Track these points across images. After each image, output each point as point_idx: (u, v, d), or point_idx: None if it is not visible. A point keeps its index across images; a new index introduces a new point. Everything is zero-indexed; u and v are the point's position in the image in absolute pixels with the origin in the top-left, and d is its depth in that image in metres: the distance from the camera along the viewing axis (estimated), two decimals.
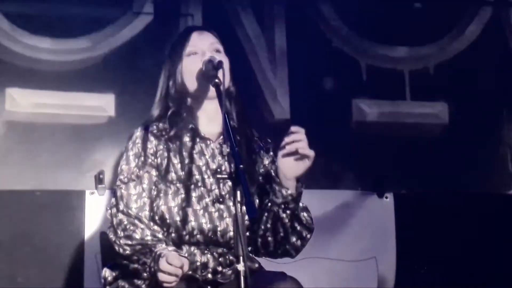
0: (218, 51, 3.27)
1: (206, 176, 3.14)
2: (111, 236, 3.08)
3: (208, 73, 3.12)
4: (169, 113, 3.23)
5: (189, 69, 3.21)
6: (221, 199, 3.11)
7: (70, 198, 4.24)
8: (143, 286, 3.03)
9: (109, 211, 3.13)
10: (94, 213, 4.19)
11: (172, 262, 2.83)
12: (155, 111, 3.28)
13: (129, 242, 3.01)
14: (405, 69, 4.93)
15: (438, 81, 4.94)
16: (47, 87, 4.38)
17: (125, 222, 3.05)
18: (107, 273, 3.17)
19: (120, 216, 3.07)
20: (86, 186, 4.28)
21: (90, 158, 4.34)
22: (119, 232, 3.05)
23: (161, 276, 2.85)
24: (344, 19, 4.89)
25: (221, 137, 3.22)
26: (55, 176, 4.28)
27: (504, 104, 4.96)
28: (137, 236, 3.01)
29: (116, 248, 3.05)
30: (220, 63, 3.09)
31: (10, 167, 4.24)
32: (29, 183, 4.24)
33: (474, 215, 4.68)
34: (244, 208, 2.62)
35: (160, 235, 3.03)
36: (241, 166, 2.66)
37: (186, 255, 3.01)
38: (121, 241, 3.03)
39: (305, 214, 3.18)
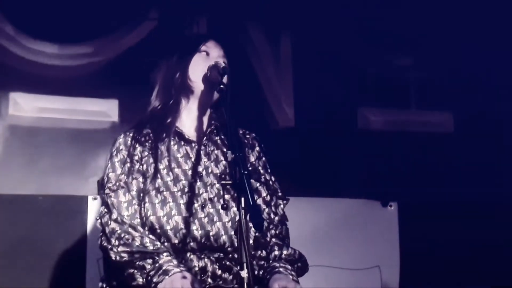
0: (224, 63, 3.25)
1: (193, 180, 3.11)
2: (105, 244, 3.02)
3: (213, 78, 3.10)
4: (159, 106, 3.21)
5: (197, 66, 3.19)
6: (207, 203, 3.08)
7: (73, 203, 4.24)
8: None
9: (99, 220, 3.09)
10: None
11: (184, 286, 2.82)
12: (156, 102, 3.26)
13: (128, 250, 2.97)
14: (410, 78, 4.92)
15: (443, 90, 4.93)
16: (51, 92, 4.39)
17: (119, 231, 3.01)
18: (104, 284, 3.14)
19: (113, 224, 3.03)
20: (88, 191, 4.27)
21: (93, 164, 4.33)
22: (113, 240, 3.00)
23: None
24: (350, 27, 4.88)
25: (205, 137, 3.20)
26: (58, 181, 4.27)
27: (510, 114, 4.95)
28: (136, 243, 2.97)
29: (113, 255, 2.99)
30: (225, 69, 3.08)
31: (13, 171, 4.24)
32: (32, 187, 4.23)
33: (479, 224, 4.66)
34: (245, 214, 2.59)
35: (158, 243, 3.00)
36: (245, 172, 2.63)
37: (182, 262, 2.98)
38: (119, 249, 2.98)
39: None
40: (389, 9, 4.90)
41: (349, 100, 4.83)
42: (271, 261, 3.11)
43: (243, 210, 2.59)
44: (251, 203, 2.55)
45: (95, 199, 4.22)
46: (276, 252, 3.14)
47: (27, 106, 4.34)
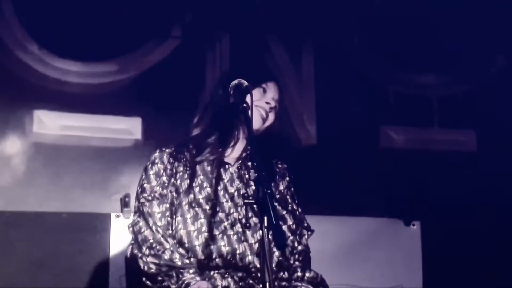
0: (275, 109, 3.26)
1: (224, 200, 3.13)
2: (136, 252, 3.05)
3: (236, 97, 3.10)
4: (205, 130, 3.22)
5: (257, 103, 3.18)
6: (237, 223, 3.09)
7: (96, 221, 4.26)
8: None
9: (131, 228, 3.11)
10: (120, 236, 4.19)
11: None
12: (203, 124, 3.26)
13: (156, 261, 3.00)
14: (433, 96, 4.91)
15: (466, 108, 4.91)
16: (74, 109, 4.41)
17: (151, 240, 3.04)
18: None
19: (146, 232, 3.06)
20: (112, 209, 4.29)
21: (116, 181, 4.35)
22: (144, 249, 3.03)
23: None
24: (372, 46, 4.89)
25: (240, 161, 3.22)
26: (81, 199, 4.29)
27: None
28: (166, 257, 3.00)
29: (141, 265, 3.02)
30: (248, 87, 3.08)
31: (37, 189, 4.26)
32: (55, 205, 4.25)
33: (502, 243, 4.63)
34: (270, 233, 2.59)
35: (187, 260, 3.02)
36: (269, 191, 2.64)
37: (206, 279, 2.99)
38: (148, 259, 3.01)
39: None
40: (411, 27, 4.90)
41: (372, 118, 4.82)
42: (293, 281, 3.12)
43: (265, 230, 2.60)
44: (274, 222, 2.55)
45: (118, 216, 4.24)
46: (299, 274, 3.15)
47: (51, 123, 4.37)
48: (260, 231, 2.88)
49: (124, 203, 4.24)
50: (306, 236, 3.27)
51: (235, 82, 3.13)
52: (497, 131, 4.87)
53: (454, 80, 4.96)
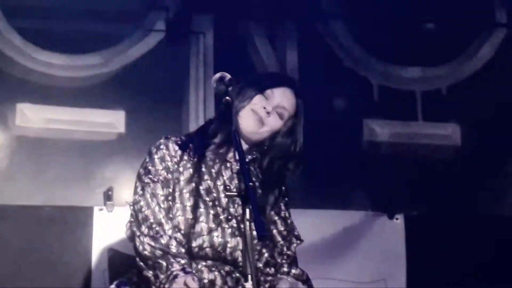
0: (280, 115, 3.24)
1: (222, 196, 3.14)
2: (135, 229, 3.04)
3: (219, 90, 3.09)
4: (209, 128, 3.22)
5: (253, 107, 3.18)
6: (233, 218, 3.10)
7: (79, 214, 4.24)
8: None
9: (132, 206, 3.10)
10: (103, 230, 4.18)
11: (190, 285, 2.84)
12: (216, 125, 3.26)
13: (152, 244, 2.99)
14: (417, 90, 4.93)
15: (450, 102, 4.93)
16: (58, 102, 4.41)
17: (151, 220, 3.03)
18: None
19: (147, 212, 3.05)
20: (94, 202, 4.27)
21: (99, 175, 4.35)
22: (143, 228, 3.02)
23: None
24: (356, 39, 4.90)
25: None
26: (64, 192, 4.29)
27: None
28: (163, 241, 2.99)
29: (137, 244, 3.01)
30: (230, 81, 3.07)
31: (20, 182, 4.26)
32: (38, 198, 4.25)
33: (486, 237, 4.64)
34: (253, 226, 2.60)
35: (182, 249, 3.02)
36: (251, 184, 2.64)
37: (193, 272, 3.00)
38: (145, 239, 3.00)
39: None
40: (395, 21, 4.91)
41: (355, 111, 4.83)
42: (279, 275, 3.14)
43: (247, 222, 2.60)
44: (256, 215, 2.56)
45: (101, 210, 4.23)
46: (285, 269, 3.17)
47: (34, 117, 4.36)
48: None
49: (107, 197, 4.23)
50: (295, 245, 3.28)
51: (217, 75, 3.11)
52: (481, 125, 4.89)
53: (438, 74, 4.97)
